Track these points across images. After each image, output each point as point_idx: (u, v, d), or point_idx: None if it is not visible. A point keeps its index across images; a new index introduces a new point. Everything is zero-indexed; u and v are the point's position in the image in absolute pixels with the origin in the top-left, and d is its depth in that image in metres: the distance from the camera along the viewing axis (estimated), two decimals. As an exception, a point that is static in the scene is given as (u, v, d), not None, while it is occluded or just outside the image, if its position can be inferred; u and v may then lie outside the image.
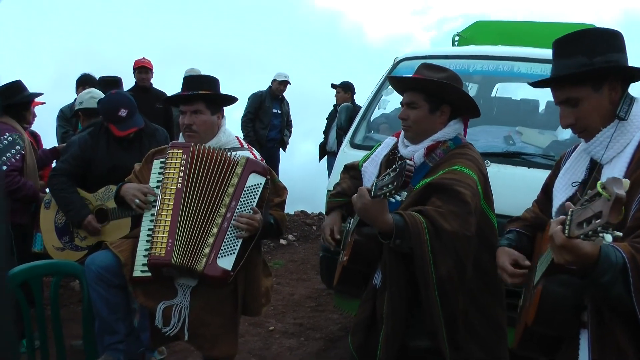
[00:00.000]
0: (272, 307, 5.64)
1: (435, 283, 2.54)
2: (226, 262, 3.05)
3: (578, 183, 2.19)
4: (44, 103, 5.06)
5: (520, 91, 6.04)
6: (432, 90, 2.82)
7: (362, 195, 2.45)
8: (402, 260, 2.65)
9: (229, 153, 3.21)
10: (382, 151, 3.12)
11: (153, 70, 7.64)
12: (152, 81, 7.71)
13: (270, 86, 8.88)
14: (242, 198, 3.13)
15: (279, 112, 8.78)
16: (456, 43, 6.80)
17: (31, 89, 4.76)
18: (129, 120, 4.19)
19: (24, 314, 3.19)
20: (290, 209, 9.42)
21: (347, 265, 2.94)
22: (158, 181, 3.22)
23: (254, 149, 3.48)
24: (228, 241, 3.08)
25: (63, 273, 3.47)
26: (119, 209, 4.03)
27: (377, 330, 2.84)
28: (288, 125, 9.09)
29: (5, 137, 3.02)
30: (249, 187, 3.15)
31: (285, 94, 9.01)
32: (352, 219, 3.13)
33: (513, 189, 3.84)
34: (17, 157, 4.23)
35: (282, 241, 8.13)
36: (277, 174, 8.95)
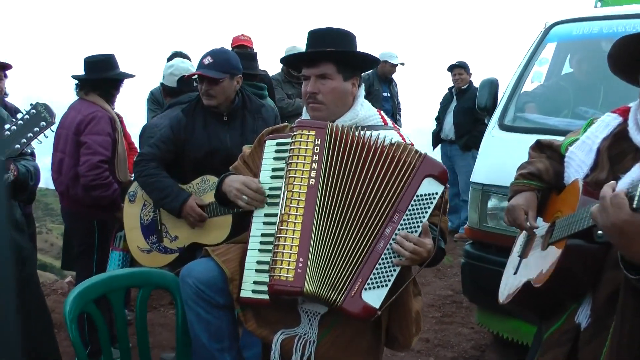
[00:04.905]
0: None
1: None
2: (373, 297, 2.19)
3: None
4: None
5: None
6: None
7: (619, 205, 1.57)
8: None
9: (383, 138, 2.35)
10: (597, 133, 2.17)
11: (253, 49, 6.90)
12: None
13: (376, 67, 7.93)
14: (410, 211, 2.25)
15: (389, 95, 7.89)
16: (599, 6, 5.81)
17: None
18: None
19: (101, 334, 2.51)
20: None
21: (543, 286, 2.05)
22: (273, 169, 2.40)
23: (400, 129, 2.62)
24: (381, 268, 2.21)
25: (152, 285, 2.74)
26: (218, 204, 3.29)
27: None
28: (398, 108, 8.18)
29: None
30: (421, 196, 2.26)
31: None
32: (544, 222, 2.25)
33: None
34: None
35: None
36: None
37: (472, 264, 3.70)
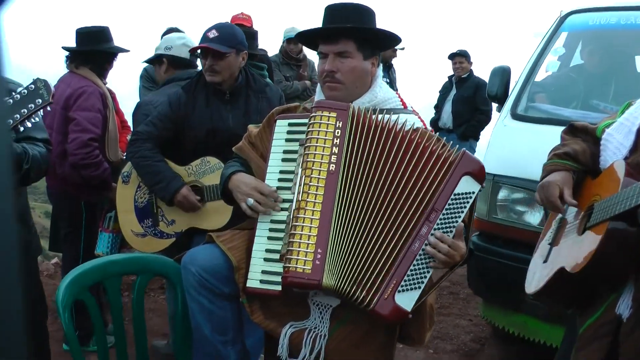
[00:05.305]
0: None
1: None
2: (406, 299, 2.03)
3: None
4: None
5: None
6: None
7: None
8: None
9: (411, 124, 2.18)
10: (637, 114, 2.08)
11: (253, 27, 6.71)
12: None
13: None
14: (446, 210, 2.07)
15: (388, 80, 7.73)
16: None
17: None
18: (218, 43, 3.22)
19: (96, 325, 2.35)
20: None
21: (579, 273, 1.94)
22: (285, 151, 2.23)
23: (419, 114, 2.47)
24: (416, 269, 2.05)
25: (150, 272, 2.56)
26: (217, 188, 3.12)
27: None
28: (396, 94, 8.04)
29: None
30: (459, 195, 2.08)
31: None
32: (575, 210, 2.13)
33: None
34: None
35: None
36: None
37: (479, 256, 3.57)
